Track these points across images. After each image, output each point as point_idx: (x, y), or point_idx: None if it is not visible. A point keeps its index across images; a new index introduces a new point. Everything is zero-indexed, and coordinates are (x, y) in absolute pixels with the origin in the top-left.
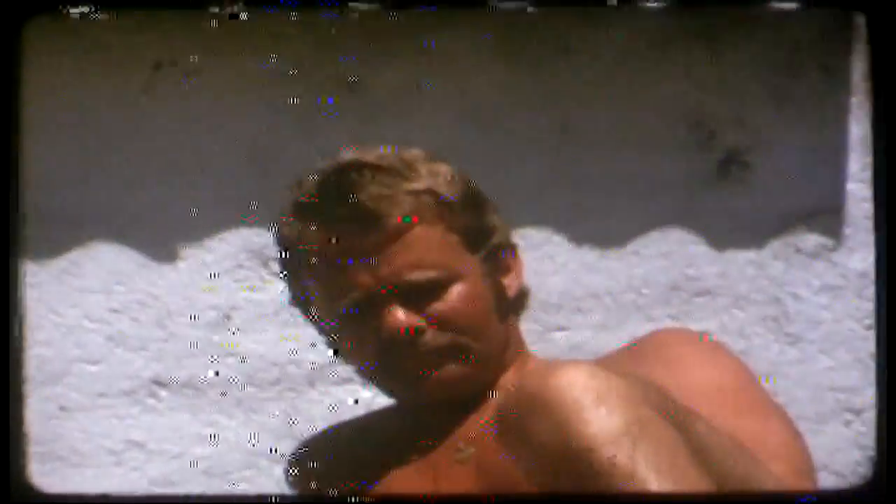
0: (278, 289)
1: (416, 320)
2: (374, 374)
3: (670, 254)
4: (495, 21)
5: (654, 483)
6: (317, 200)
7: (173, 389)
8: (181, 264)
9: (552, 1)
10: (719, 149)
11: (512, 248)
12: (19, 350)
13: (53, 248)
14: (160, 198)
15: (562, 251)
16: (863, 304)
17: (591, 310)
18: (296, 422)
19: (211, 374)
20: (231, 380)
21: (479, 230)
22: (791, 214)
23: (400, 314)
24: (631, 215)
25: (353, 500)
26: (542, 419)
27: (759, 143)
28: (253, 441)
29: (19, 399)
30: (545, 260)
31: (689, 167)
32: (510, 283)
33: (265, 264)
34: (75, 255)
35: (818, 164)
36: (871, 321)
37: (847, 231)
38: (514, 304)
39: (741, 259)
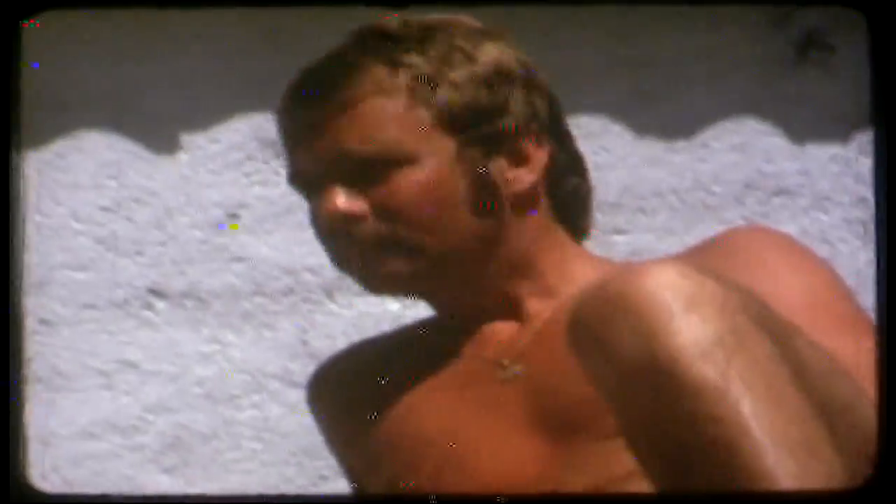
0: None
1: (354, 205)
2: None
3: (744, 147)
4: None
5: (748, 405)
6: (305, 73)
7: (172, 300)
8: (182, 155)
9: None
10: (798, 27)
11: (532, 135)
12: (19, 351)
13: (34, 136)
14: (158, 77)
15: (621, 143)
16: None
17: (655, 210)
18: (312, 338)
19: (215, 282)
20: (238, 289)
21: (471, 108)
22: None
23: (334, 197)
24: (699, 102)
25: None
26: (624, 325)
27: (843, 21)
28: (263, 360)
29: (20, 399)
30: (602, 152)
31: (764, 48)
32: (517, 175)
33: (278, 155)
34: (60, 144)
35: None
36: None
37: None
38: (527, 200)
39: (824, 154)
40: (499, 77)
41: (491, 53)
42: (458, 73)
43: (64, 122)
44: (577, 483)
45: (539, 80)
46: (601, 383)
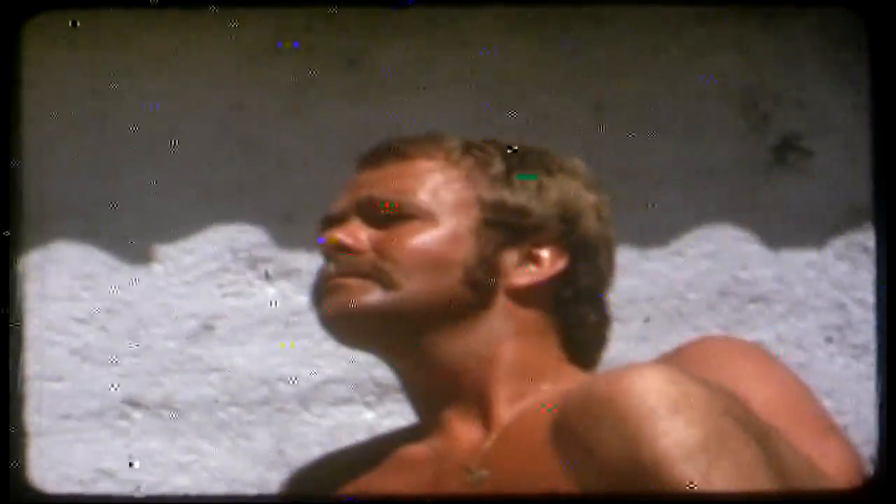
0: (267, 294)
1: (359, 239)
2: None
3: (719, 254)
4: None
5: None
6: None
7: (148, 410)
8: (156, 267)
9: None
10: (774, 133)
11: (556, 245)
12: (19, 350)
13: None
14: (132, 189)
15: None
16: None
17: (629, 318)
18: (287, 448)
19: (191, 392)
20: (213, 399)
21: (507, 198)
22: (857, 208)
23: (345, 227)
24: (675, 209)
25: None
26: (610, 428)
27: (819, 126)
28: (239, 470)
29: (20, 399)
30: None
31: (740, 154)
32: (523, 270)
33: (252, 266)
34: (36, 256)
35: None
36: None
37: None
38: (523, 298)
39: (800, 260)
40: (547, 185)
41: (555, 175)
42: (505, 168)
43: (39, 234)
44: None
45: (600, 206)
46: (584, 483)
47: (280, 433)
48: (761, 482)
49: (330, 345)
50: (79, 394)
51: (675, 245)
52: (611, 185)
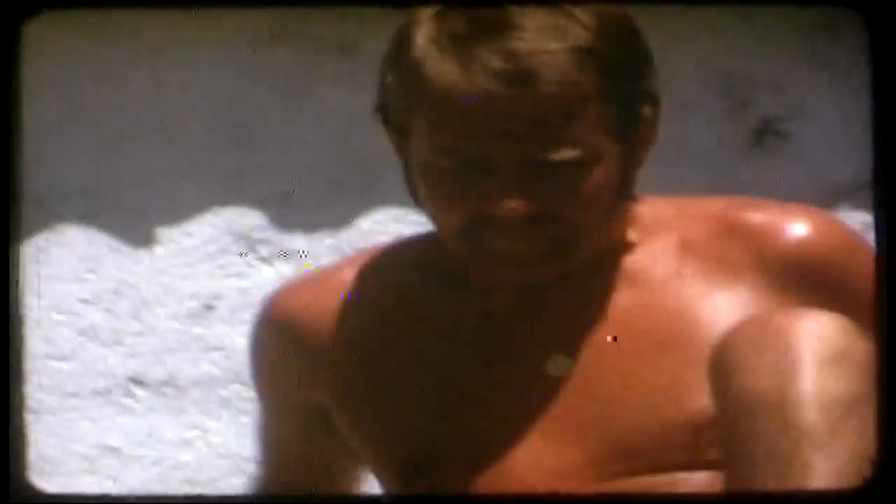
0: (266, 275)
1: (531, 206)
2: (451, 240)
3: None
4: None
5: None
6: (464, 30)
7: (152, 388)
8: (158, 249)
9: None
10: (753, 117)
11: (655, 143)
12: (19, 350)
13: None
14: (134, 174)
15: None
16: None
17: None
18: None
19: (193, 370)
20: (215, 377)
21: (635, 111)
22: (834, 190)
23: (515, 194)
24: (653, 191)
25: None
26: (769, 360)
27: (798, 110)
28: (241, 445)
29: (19, 399)
30: None
31: (719, 137)
32: (643, 157)
33: (252, 248)
34: (41, 238)
35: (863, 134)
36: None
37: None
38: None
39: None
40: (648, 60)
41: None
42: (630, 61)
43: (44, 217)
44: None
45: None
46: (725, 403)
47: None
48: (867, 454)
49: None
50: (85, 372)
51: None
52: None
